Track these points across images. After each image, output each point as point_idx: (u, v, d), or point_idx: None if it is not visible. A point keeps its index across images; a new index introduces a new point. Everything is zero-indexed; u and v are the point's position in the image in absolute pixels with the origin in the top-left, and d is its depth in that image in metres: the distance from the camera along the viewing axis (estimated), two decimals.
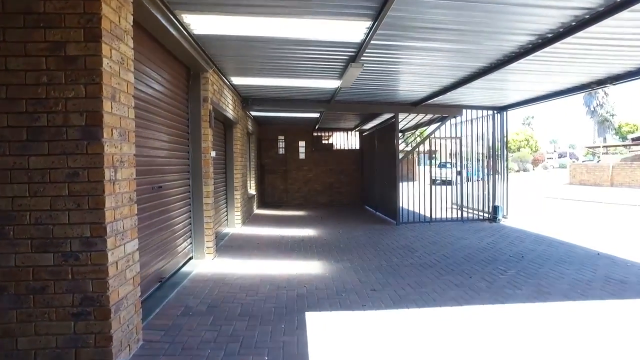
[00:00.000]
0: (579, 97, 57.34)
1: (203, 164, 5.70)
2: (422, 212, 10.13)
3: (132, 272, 2.97)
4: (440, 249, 6.71)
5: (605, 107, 54.79)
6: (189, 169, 5.65)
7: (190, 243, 5.71)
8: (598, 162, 29.29)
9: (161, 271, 4.53)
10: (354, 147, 14.46)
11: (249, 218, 10.42)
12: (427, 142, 9.84)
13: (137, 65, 3.96)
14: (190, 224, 5.70)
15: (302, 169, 13.98)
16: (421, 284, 4.77)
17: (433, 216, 9.69)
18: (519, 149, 56.10)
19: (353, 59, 5.49)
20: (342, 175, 14.13)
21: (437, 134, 9.79)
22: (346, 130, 14.38)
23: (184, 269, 5.31)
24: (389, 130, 9.99)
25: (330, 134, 14.61)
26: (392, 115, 9.75)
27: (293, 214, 11.56)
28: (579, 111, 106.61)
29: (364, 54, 5.23)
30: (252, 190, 11.76)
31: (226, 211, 8.63)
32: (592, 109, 55.26)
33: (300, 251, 6.57)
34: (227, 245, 6.95)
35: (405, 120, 10.15)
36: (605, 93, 53.31)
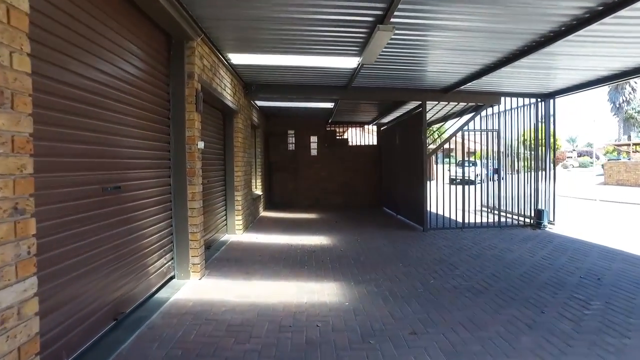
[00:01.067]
0: (601, 93, 54.67)
1: (187, 158, 4.48)
2: (448, 215, 8.78)
3: (19, 339, 1.73)
4: (486, 265, 5.36)
5: (632, 104, 52.14)
6: (169, 164, 4.43)
7: (172, 259, 4.49)
8: (628, 160, 27.34)
9: (121, 301, 3.31)
10: (370, 143, 13.13)
11: (254, 222, 9.20)
12: (458, 135, 8.48)
13: (92, 27, 2.78)
14: (172, 234, 4.48)
15: (313, 166, 12.73)
16: (478, 322, 3.45)
17: (464, 220, 8.33)
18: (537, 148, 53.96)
19: (381, 19, 4.19)
20: (358, 174, 12.83)
21: (470, 125, 8.42)
22: (362, 124, 13.06)
23: (160, 293, 4.08)
24: (415, 122, 8.65)
25: (345, 128, 13.31)
26: (418, 104, 8.41)
27: (304, 217, 10.31)
28: (601, 108, 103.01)
29: (396, 13, 3.94)
30: (258, 191, 10.54)
31: (225, 215, 7.41)
32: (618, 105, 52.61)
33: (312, 267, 5.31)
34: (222, 259, 5.73)
35: (433, 110, 8.79)
36: (632, 89, 50.70)
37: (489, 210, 9.94)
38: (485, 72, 6.42)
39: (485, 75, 6.54)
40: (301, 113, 11.36)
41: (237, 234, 7.49)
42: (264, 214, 10.84)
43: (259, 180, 10.62)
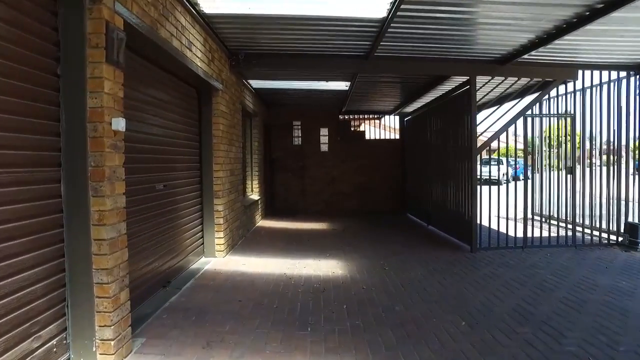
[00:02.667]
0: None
1: (89, 147, 2.46)
2: (495, 226, 6.63)
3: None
4: (603, 324, 3.23)
5: None
6: (59, 159, 2.43)
7: (64, 328, 2.48)
8: None
9: None
10: (392, 137, 10.99)
11: (246, 236, 7.18)
12: (519, 122, 6.28)
13: None
14: (57, 292, 2.47)
15: (324, 164, 10.65)
16: None
17: (519, 235, 6.16)
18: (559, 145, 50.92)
19: None
20: (377, 174, 10.71)
21: (535, 109, 6.25)
22: (382, 114, 10.93)
23: None
24: (458, 105, 6.52)
25: (361, 119, 11.20)
26: (462, 81, 6.29)
27: (310, 228, 8.25)
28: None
29: None
30: (254, 195, 8.52)
31: (201, 232, 5.40)
32: None
33: (319, 330, 3.23)
34: (179, 309, 3.69)
35: (483, 90, 6.59)
36: None
37: (545, 220, 7.76)
38: (559, 33, 4.40)
39: (558, 37, 4.49)
40: (309, 99, 9.29)
41: (217, 256, 5.47)
42: (262, 222, 8.81)
43: (255, 182, 8.60)
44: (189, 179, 4.99)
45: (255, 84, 7.62)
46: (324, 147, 10.69)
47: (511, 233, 6.32)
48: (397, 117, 10.97)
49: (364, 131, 11.10)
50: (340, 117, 10.78)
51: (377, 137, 10.92)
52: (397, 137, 10.93)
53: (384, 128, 11.11)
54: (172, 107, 4.46)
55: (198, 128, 5.33)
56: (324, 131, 10.68)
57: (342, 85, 7.53)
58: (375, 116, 11.05)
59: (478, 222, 6.03)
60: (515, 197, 6.74)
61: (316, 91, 8.30)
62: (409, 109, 10.06)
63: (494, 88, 6.30)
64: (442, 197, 7.46)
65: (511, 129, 6.23)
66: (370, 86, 7.73)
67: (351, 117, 10.97)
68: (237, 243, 6.35)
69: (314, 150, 10.63)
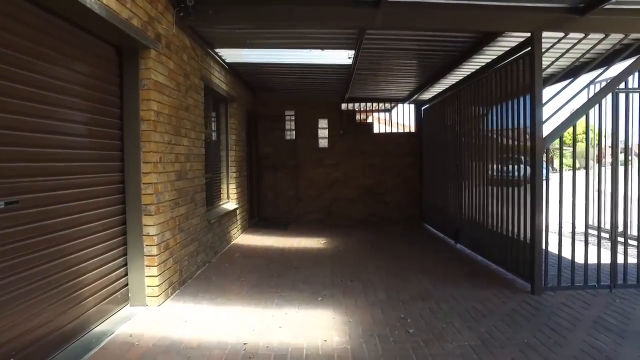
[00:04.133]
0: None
1: None
2: (548, 247, 4.65)
3: None
4: None
5: None
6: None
7: None
8: None
9: None
10: (406, 130, 9.02)
11: (212, 262, 5.28)
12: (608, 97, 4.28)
13: None
14: None
15: (323, 163, 8.73)
16: None
17: (591, 261, 4.18)
18: (575, 143, 48.48)
19: None
20: (388, 175, 8.76)
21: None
22: (394, 101, 8.96)
23: None
24: (509, 79, 4.56)
25: (369, 111, 9.24)
26: (521, 41, 4.33)
27: (303, 247, 6.34)
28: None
29: None
30: (231, 202, 6.62)
31: (124, 268, 3.49)
32: None
33: None
34: None
35: (550, 54, 4.54)
36: None
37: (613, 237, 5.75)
38: None
39: None
40: (303, 81, 7.36)
41: (149, 304, 3.56)
42: (241, 238, 6.90)
43: (232, 186, 6.69)
44: (97, 187, 3.09)
45: (228, 55, 5.71)
46: (323, 143, 8.76)
47: (578, 258, 4.30)
48: (412, 106, 9.01)
49: (372, 123, 9.15)
50: (343, 106, 8.85)
51: (388, 131, 8.96)
52: (413, 130, 8.96)
53: (396, 119, 9.15)
54: (62, 72, 2.58)
55: (120, 108, 3.44)
56: (323, 123, 8.75)
57: (343, 57, 5.60)
58: (386, 105, 9.08)
59: (544, 249, 4.06)
60: (572, 205, 4.72)
61: (311, 68, 6.37)
62: (427, 94, 8.10)
63: (567, 52, 4.30)
64: (478, 209, 5.50)
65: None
66: (381, 59, 5.79)
67: (356, 106, 9.02)
68: (190, 277, 4.45)
69: (310, 146, 8.70)
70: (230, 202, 6.61)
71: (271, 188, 8.73)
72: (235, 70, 6.58)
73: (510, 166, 4.60)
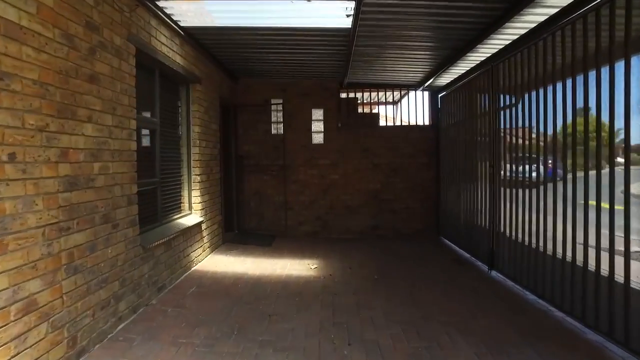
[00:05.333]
0: None
1: None
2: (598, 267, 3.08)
3: None
4: None
5: None
6: None
7: None
8: None
9: None
10: (419, 122, 7.42)
11: (156, 300, 3.71)
12: None
13: None
14: None
15: (317, 163, 7.15)
16: None
17: (631, 283, 2.61)
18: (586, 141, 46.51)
19: None
20: (397, 177, 7.17)
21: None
22: (404, 88, 7.36)
23: None
24: (579, 45, 2.98)
25: (374, 103, 7.64)
26: None
27: (287, 275, 4.75)
28: None
29: None
30: (195, 214, 5.07)
31: None
32: None
33: None
34: None
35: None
36: None
37: None
38: None
39: None
40: (291, 58, 5.78)
41: None
42: (208, 261, 5.33)
43: (197, 193, 5.11)
44: None
45: (181, 14, 4.13)
46: (318, 138, 7.18)
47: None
48: (426, 94, 7.41)
49: (378, 114, 7.55)
50: (342, 93, 7.27)
51: (397, 123, 7.36)
52: (427, 122, 7.37)
53: (407, 109, 7.56)
54: None
55: None
56: (317, 113, 7.17)
57: (340, 15, 4.01)
58: (394, 92, 7.50)
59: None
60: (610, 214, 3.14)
61: (298, 35, 4.79)
62: (445, 79, 6.52)
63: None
64: (530, 227, 3.90)
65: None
66: (387, 27, 4.21)
67: (358, 93, 7.44)
68: (97, 342, 2.88)
69: (302, 142, 7.13)
70: (192, 214, 5.05)
71: (254, 194, 7.16)
72: (200, 42, 5.01)
73: (595, 170, 3.01)
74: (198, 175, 5.10)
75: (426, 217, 7.13)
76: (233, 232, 6.93)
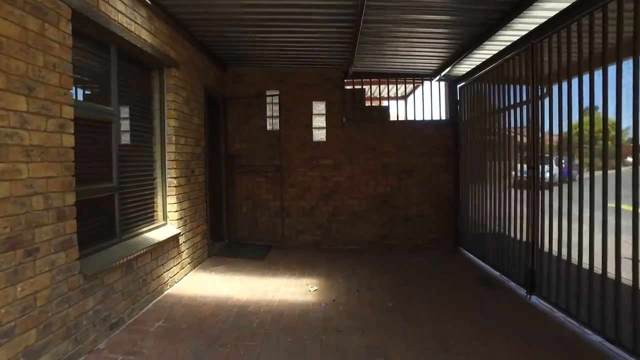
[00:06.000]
0: None
1: None
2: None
3: None
4: None
5: None
6: None
7: None
8: None
9: None
10: (436, 117, 6.50)
11: (103, 344, 2.85)
12: None
13: None
14: None
15: (319, 164, 6.28)
16: None
17: None
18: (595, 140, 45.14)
19: None
20: (410, 179, 6.28)
21: None
22: (418, 77, 6.46)
23: None
24: None
25: (383, 87, 6.75)
26: None
27: (281, 302, 3.86)
28: None
29: None
30: (172, 225, 4.21)
31: None
32: None
33: None
34: None
35: None
36: None
37: None
38: None
39: None
40: (289, 39, 4.92)
41: None
42: (186, 281, 4.47)
43: (173, 199, 4.25)
44: None
45: None
46: (320, 135, 6.31)
47: None
48: (442, 84, 6.51)
49: (388, 107, 6.65)
50: (347, 83, 6.40)
51: (410, 118, 6.46)
52: (445, 117, 6.48)
53: (421, 102, 6.67)
54: None
55: None
56: (318, 107, 6.30)
57: None
58: (407, 82, 6.60)
59: None
60: None
61: (294, 8, 3.92)
62: (465, 66, 5.63)
63: None
64: (586, 244, 3.00)
65: None
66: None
67: (365, 83, 6.55)
68: None
69: (301, 140, 6.26)
70: (168, 225, 4.19)
71: (247, 198, 6.30)
72: (176, 18, 4.16)
73: None
74: (175, 178, 4.24)
75: (443, 225, 6.24)
76: (222, 243, 6.08)
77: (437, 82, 6.46)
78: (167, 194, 4.22)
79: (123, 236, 3.34)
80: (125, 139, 3.51)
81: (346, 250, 6.02)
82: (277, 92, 6.17)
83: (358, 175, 6.26)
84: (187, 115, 4.58)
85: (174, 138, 4.22)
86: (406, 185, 6.26)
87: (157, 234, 3.87)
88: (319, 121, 6.28)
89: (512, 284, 4.33)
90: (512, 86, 4.40)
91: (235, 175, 6.28)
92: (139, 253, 3.34)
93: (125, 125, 3.52)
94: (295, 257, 5.53)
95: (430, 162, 6.27)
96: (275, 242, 6.19)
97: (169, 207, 4.23)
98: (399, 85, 6.69)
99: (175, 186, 4.24)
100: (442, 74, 6.02)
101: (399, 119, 6.50)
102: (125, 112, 3.50)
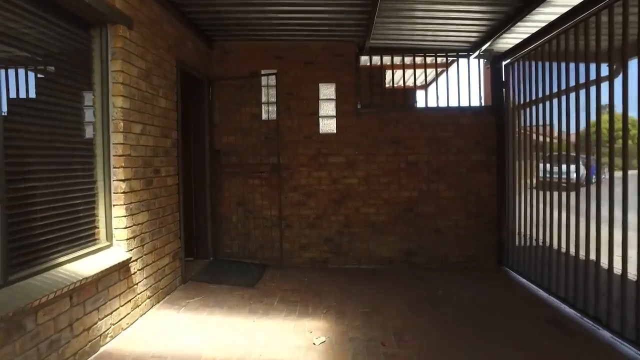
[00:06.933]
0: None
1: None
2: None
3: None
4: None
5: None
6: None
7: None
8: None
9: None
10: (472, 103, 5.17)
11: None
12: None
13: None
14: None
15: (327, 162, 5.01)
16: None
17: None
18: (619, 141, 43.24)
19: None
20: (441, 182, 4.98)
21: None
22: (451, 53, 5.15)
23: None
24: None
25: (408, 65, 5.44)
26: None
27: None
28: None
29: None
30: (122, 246, 2.95)
31: None
32: None
33: None
34: None
35: None
36: None
37: None
38: None
39: None
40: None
41: None
42: (142, 323, 3.23)
43: (121, 210, 3.02)
44: None
45: None
46: (328, 125, 5.04)
47: None
48: (481, 62, 5.19)
49: (414, 91, 5.35)
50: (363, 60, 5.12)
51: (442, 105, 5.14)
52: (484, 103, 5.16)
53: (455, 84, 5.35)
54: None
55: None
56: (327, 91, 5.03)
57: None
58: (438, 59, 5.29)
59: None
60: None
61: None
62: (512, 38, 4.32)
63: None
64: None
65: None
66: None
67: (386, 60, 5.26)
68: None
69: (305, 132, 5.00)
70: (113, 247, 2.96)
71: (238, 205, 5.06)
72: None
73: None
74: (123, 180, 3.01)
75: (482, 238, 4.93)
76: (206, 261, 4.85)
77: (477, 60, 5.14)
78: (113, 203, 2.99)
79: (11, 276, 2.11)
80: (27, 125, 2.29)
81: (362, 272, 4.74)
82: (274, 72, 4.91)
83: (376, 177, 4.97)
84: (146, 95, 3.34)
85: (121, 124, 2.99)
86: (437, 189, 4.96)
87: (91, 262, 2.64)
88: (326, 108, 5.00)
89: (601, 330, 3.02)
90: (587, 60, 3.08)
91: (223, 176, 5.04)
92: (40, 301, 2.10)
93: (24, 104, 2.29)
94: (296, 283, 4.27)
95: (467, 159, 4.96)
96: (272, 260, 4.93)
97: (115, 222, 3.00)
98: (428, 67, 5.38)
99: (124, 192, 3.01)
100: (483, 48, 4.73)
101: (428, 105, 5.19)
102: (26, 84, 2.28)
